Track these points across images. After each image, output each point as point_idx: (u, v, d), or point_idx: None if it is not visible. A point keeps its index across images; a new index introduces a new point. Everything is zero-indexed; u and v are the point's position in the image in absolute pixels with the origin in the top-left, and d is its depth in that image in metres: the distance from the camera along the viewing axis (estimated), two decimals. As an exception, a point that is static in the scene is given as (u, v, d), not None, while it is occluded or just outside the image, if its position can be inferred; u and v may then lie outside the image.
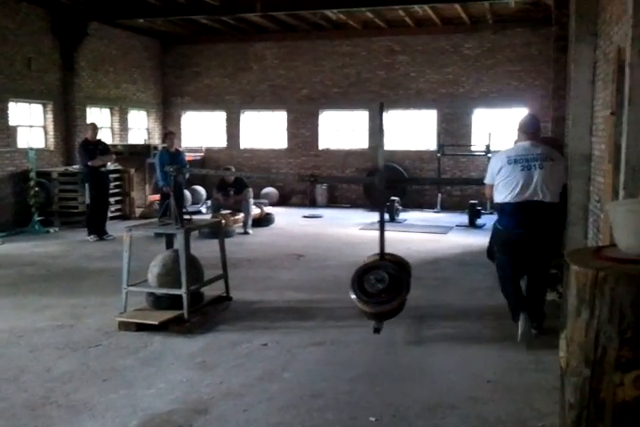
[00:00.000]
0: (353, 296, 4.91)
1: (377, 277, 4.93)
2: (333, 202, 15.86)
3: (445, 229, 11.75)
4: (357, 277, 4.94)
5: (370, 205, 14.77)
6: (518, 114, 14.80)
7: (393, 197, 12.99)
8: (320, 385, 4.30)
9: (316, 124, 16.19)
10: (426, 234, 11.09)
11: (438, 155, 14.47)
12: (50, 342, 5.21)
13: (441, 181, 14.17)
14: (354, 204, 15.56)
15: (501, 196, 5.17)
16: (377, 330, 5.07)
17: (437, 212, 14.31)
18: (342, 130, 16.27)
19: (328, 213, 14.21)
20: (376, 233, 10.81)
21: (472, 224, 12.08)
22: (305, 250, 9.48)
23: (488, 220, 11.62)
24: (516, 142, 5.50)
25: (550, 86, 11.76)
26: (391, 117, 15.77)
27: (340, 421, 3.79)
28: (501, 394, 4.17)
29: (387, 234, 10.40)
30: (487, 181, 5.36)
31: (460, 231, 11.59)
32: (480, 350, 5.06)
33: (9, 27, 11.80)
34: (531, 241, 5.17)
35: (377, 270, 4.98)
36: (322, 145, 16.21)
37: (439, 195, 14.55)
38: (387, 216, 12.71)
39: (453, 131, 15.21)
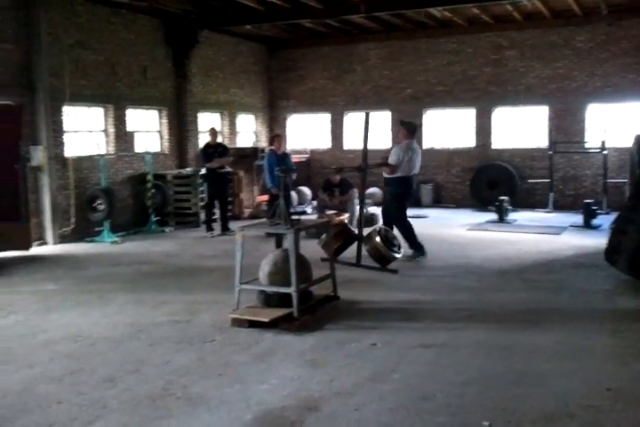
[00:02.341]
0: (378, 239, 7.87)
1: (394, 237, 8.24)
2: (438, 202, 15.62)
3: (559, 230, 11.27)
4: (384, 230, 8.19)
5: (477, 205, 14.52)
6: (636, 109, 14.09)
7: (502, 197, 12.63)
8: (430, 387, 4.25)
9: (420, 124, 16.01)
10: (537, 235, 10.69)
11: (550, 152, 13.95)
12: (168, 337, 5.46)
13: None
14: (460, 204, 15.27)
15: (405, 171, 8.63)
16: (396, 271, 7.78)
17: (549, 212, 13.77)
18: (447, 128, 15.99)
19: (433, 214, 13.99)
20: (485, 234, 10.59)
21: (587, 225, 11.51)
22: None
23: (605, 220, 11.03)
24: (404, 140, 8.86)
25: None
26: (499, 115, 15.35)
27: (452, 424, 3.73)
28: (623, 403, 3.96)
29: (495, 235, 10.12)
30: (394, 162, 8.62)
31: (575, 232, 11.08)
32: (598, 357, 4.83)
33: (126, 37, 12.46)
34: (411, 195, 9.29)
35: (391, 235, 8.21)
36: (426, 144, 15.97)
37: (551, 194, 14.01)
38: (496, 217, 12.46)
39: (566, 127, 14.59)
